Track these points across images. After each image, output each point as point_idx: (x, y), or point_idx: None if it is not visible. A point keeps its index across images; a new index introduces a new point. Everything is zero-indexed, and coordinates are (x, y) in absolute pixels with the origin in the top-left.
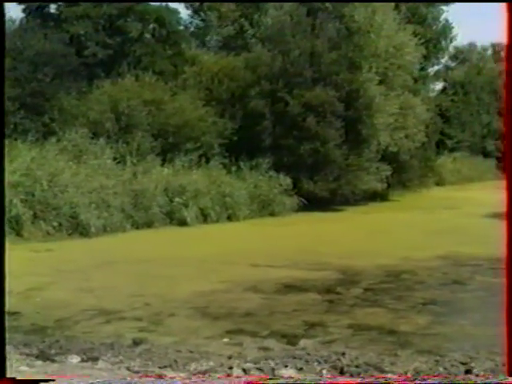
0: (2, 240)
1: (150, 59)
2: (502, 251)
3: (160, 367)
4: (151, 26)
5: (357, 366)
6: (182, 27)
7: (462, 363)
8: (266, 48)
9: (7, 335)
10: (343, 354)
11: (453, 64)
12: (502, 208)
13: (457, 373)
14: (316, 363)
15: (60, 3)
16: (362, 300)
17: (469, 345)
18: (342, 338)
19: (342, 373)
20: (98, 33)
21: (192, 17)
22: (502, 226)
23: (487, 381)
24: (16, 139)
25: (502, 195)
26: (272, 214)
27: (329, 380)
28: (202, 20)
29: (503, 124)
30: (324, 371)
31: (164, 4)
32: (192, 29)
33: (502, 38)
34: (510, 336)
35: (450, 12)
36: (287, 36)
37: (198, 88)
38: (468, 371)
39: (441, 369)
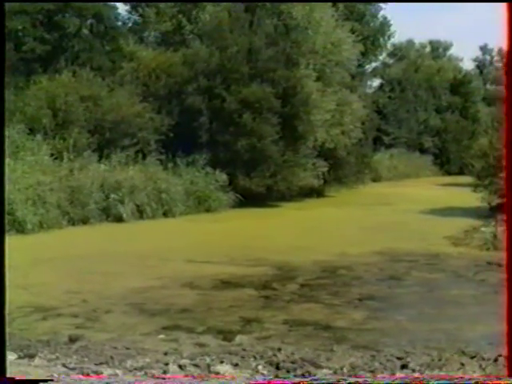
0: (2, 240)
1: (88, 55)
2: (437, 247)
3: (96, 364)
4: (89, 21)
5: (293, 362)
6: (120, 23)
7: (398, 358)
8: (203, 44)
9: None
10: (279, 349)
11: (390, 61)
12: (438, 204)
13: (392, 368)
14: (252, 359)
15: None
16: (298, 296)
17: (405, 340)
18: (277, 334)
19: (277, 368)
20: (36, 28)
21: (130, 12)
22: (438, 221)
23: (487, 381)
24: None
25: (439, 191)
26: (208, 210)
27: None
28: (140, 16)
29: (504, 123)
30: (260, 367)
31: None
32: (130, 25)
33: (440, 35)
34: (510, 336)
35: (387, 9)
36: (225, 32)
37: (136, 84)
38: (404, 366)
39: (376, 364)
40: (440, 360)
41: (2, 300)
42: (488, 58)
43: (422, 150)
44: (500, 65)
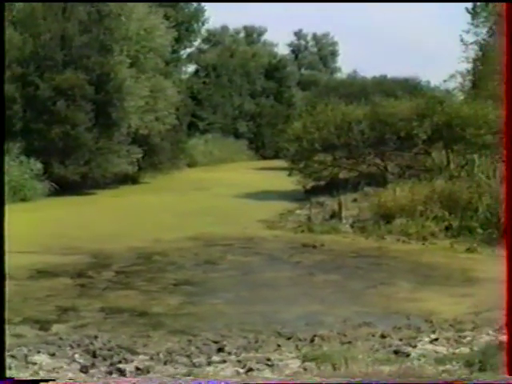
0: (2, 240)
1: None
2: (252, 230)
3: None
4: None
5: (109, 349)
6: None
7: (215, 342)
8: (17, 31)
9: None
10: (95, 337)
11: (205, 47)
12: (254, 188)
13: (208, 351)
14: (68, 348)
15: None
16: (113, 283)
17: (221, 323)
18: (94, 322)
19: (94, 356)
20: None
21: None
22: (253, 205)
23: (487, 381)
24: None
25: (254, 175)
26: (23, 200)
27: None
28: None
29: (504, 122)
30: (76, 355)
31: None
32: None
33: (254, 21)
34: (510, 336)
35: None
36: (38, 19)
37: None
38: (220, 349)
39: (193, 348)
40: (256, 342)
41: (2, 300)
42: (303, 43)
43: (237, 135)
44: (315, 49)
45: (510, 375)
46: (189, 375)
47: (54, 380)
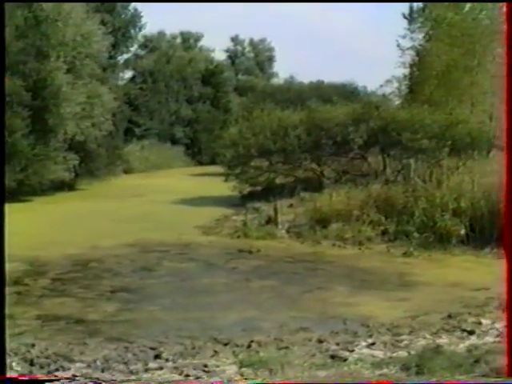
0: (2, 240)
1: None
2: (188, 236)
3: None
4: None
5: (46, 357)
6: None
7: (152, 348)
8: None
9: None
10: (33, 345)
11: (142, 52)
12: (190, 194)
13: (145, 358)
14: (6, 356)
15: None
16: (50, 290)
17: (158, 330)
18: (31, 330)
19: (32, 364)
20: None
21: None
22: (190, 211)
23: (488, 381)
24: None
25: (191, 182)
26: None
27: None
28: None
29: (505, 122)
30: (14, 364)
31: None
32: None
33: (191, 26)
34: (510, 336)
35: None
36: None
37: None
38: (157, 356)
39: (130, 355)
40: (193, 348)
41: (2, 301)
42: (240, 48)
43: (174, 141)
44: (251, 55)
45: (509, 376)
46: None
47: (57, 380)
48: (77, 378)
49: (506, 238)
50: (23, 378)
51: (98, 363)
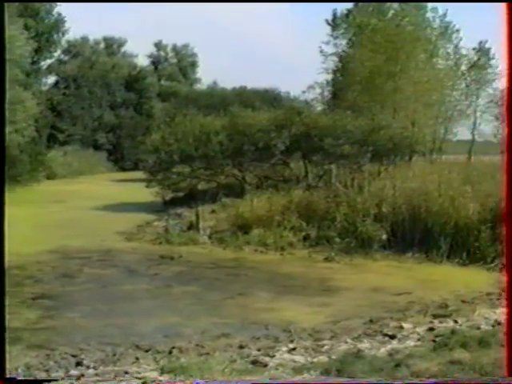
0: (2, 240)
1: None
2: (110, 243)
3: None
4: None
5: None
6: None
7: (73, 355)
8: None
9: None
10: None
11: (66, 58)
12: (113, 200)
13: (67, 365)
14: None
15: None
16: None
17: (79, 337)
18: None
19: None
20: None
21: None
22: (112, 217)
23: (488, 381)
24: None
25: (113, 187)
26: None
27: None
28: None
29: (505, 123)
30: None
31: None
32: None
33: (114, 32)
34: (510, 336)
35: (63, 6)
36: None
37: None
38: (79, 363)
39: (51, 362)
40: (114, 355)
41: (2, 301)
42: (163, 54)
43: (97, 147)
44: (174, 60)
45: (509, 375)
46: None
47: (55, 380)
48: (77, 380)
49: (507, 241)
50: (22, 379)
51: (20, 371)
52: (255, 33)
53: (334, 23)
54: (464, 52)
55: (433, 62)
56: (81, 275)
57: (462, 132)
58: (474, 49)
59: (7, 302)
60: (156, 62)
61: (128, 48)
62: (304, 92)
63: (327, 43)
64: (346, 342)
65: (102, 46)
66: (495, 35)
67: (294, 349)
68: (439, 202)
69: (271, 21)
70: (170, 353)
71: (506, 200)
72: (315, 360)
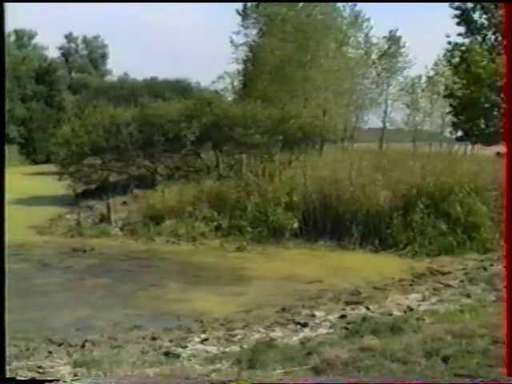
0: (2, 240)
1: None
2: (22, 237)
3: None
4: None
5: None
6: None
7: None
8: None
9: None
10: None
11: None
12: (25, 194)
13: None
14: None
15: None
16: None
17: None
18: None
19: None
20: None
21: None
22: (24, 211)
23: (488, 381)
24: None
25: (25, 181)
26: None
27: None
28: None
29: (504, 121)
30: None
31: None
32: None
33: (24, 24)
34: (510, 336)
35: None
36: None
37: None
38: None
39: None
40: (28, 350)
41: (2, 302)
42: (73, 46)
43: (8, 140)
44: (85, 52)
45: (509, 375)
46: None
47: (57, 380)
48: (76, 380)
49: (507, 235)
50: (23, 379)
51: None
52: (166, 24)
53: (245, 13)
54: (375, 41)
55: (343, 51)
56: None
57: (373, 120)
58: (384, 37)
59: None
60: (66, 54)
61: (38, 40)
62: (214, 82)
63: (238, 33)
64: (259, 331)
65: (13, 38)
66: (405, 24)
67: (206, 339)
68: (350, 190)
69: (182, 12)
70: (83, 346)
71: (506, 195)
72: (227, 350)
